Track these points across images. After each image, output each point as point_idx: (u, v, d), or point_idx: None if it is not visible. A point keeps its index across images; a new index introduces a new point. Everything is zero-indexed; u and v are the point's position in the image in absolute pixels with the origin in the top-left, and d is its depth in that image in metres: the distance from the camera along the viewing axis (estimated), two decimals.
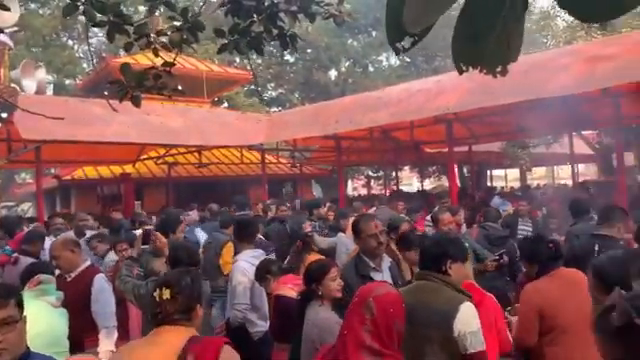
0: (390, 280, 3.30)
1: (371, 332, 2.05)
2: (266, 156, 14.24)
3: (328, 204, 7.70)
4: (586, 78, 6.19)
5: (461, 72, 1.06)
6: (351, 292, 3.17)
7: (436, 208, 5.97)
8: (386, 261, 3.43)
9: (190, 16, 2.55)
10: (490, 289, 4.28)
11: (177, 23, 2.56)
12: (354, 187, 27.97)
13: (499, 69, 1.05)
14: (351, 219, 4.48)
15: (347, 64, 23.62)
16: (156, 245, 3.83)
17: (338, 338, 2.19)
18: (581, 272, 2.81)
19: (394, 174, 18.04)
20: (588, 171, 23.32)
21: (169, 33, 2.57)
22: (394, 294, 2.17)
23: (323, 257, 4.32)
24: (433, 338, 2.40)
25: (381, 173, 21.76)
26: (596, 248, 3.75)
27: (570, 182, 13.41)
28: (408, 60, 20.76)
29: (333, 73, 24.34)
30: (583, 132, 13.13)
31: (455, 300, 2.45)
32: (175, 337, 2.04)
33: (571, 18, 12.88)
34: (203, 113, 11.89)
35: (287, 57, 24.61)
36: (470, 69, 1.05)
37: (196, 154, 12.81)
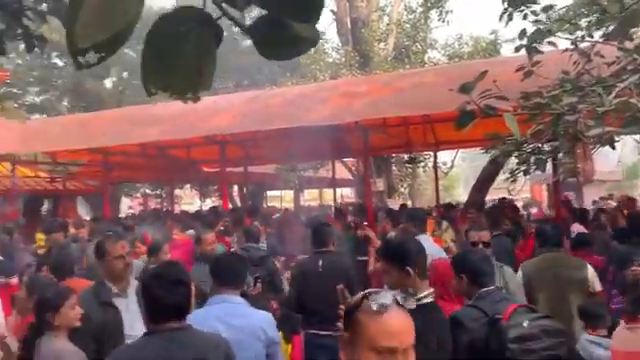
0: (136, 305, 3.09)
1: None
2: (21, 169, 12.46)
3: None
4: (342, 111, 6.91)
5: (150, 94, 1.04)
6: (90, 321, 2.92)
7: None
8: (133, 285, 3.21)
9: None
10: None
11: None
12: (130, 205, 26.25)
13: (189, 95, 1.06)
14: None
15: (125, 74, 22.21)
16: None
17: None
18: None
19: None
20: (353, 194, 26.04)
21: None
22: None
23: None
24: None
25: (160, 191, 20.87)
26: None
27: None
28: None
29: (109, 82, 22.66)
30: (345, 159, 14.65)
31: None
32: None
33: (337, 55, 14.42)
34: None
35: (55, 60, 22.11)
36: (159, 93, 1.04)
37: None
